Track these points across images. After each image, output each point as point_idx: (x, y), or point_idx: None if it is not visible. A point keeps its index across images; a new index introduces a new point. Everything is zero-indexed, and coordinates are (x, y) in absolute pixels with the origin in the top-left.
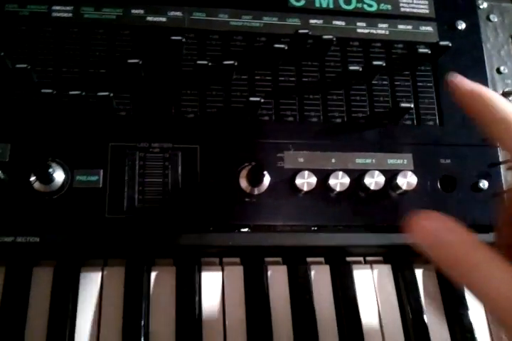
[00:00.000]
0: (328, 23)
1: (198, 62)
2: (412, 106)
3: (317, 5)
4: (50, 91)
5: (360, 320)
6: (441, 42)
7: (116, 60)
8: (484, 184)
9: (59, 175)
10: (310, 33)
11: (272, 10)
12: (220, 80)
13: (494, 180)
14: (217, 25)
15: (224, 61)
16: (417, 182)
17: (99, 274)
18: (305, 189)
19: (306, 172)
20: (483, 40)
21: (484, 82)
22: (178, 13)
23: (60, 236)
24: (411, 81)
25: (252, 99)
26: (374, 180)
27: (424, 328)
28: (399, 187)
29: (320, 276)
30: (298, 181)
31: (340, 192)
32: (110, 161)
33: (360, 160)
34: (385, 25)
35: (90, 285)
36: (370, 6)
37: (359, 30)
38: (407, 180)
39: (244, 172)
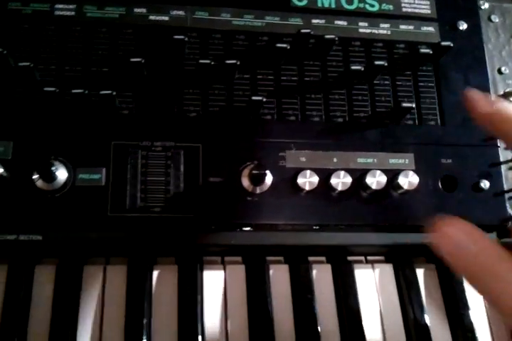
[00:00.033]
0: (330, 22)
1: (201, 61)
2: (414, 106)
3: (319, 5)
4: (52, 89)
5: (362, 319)
6: (443, 43)
7: (118, 58)
8: (485, 184)
9: (61, 174)
10: (312, 32)
11: (274, 9)
12: (223, 79)
13: (495, 180)
14: (219, 25)
15: (226, 60)
16: (419, 182)
17: (102, 272)
18: (307, 188)
19: (308, 172)
20: (485, 41)
21: (485, 82)
22: (181, 12)
23: (62, 234)
24: (412, 81)
25: (254, 98)
26: (375, 180)
27: (425, 328)
28: (400, 187)
29: (321, 275)
30: (300, 180)
31: (341, 192)
32: (113, 160)
33: (362, 160)
34: (386, 25)
35: (93, 284)
36: (372, 6)
37: (361, 30)
38: (409, 180)
39: (246, 171)
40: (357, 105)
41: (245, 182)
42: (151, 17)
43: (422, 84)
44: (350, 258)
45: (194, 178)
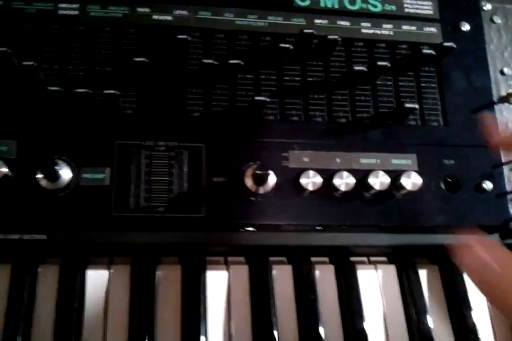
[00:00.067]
0: (333, 23)
1: (204, 61)
2: (417, 106)
3: (322, 5)
4: (56, 88)
5: (365, 319)
6: (446, 44)
7: (122, 58)
8: (488, 185)
9: (65, 173)
10: (315, 33)
11: (277, 9)
12: (226, 79)
13: (498, 181)
14: (222, 25)
15: (229, 60)
16: (422, 183)
17: (106, 272)
18: (310, 188)
19: (311, 172)
20: (487, 42)
21: (488, 83)
22: (184, 12)
23: (66, 233)
24: (415, 81)
25: (257, 98)
26: (378, 180)
27: (428, 329)
28: (403, 188)
29: (324, 276)
30: (303, 181)
31: (344, 192)
32: (116, 159)
33: (365, 160)
34: (389, 26)
35: (96, 284)
36: (375, 6)
37: (364, 31)
38: (412, 181)
39: (249, 172)
40: (360, 105)
41: (248, 182)
42: (155, 17)
43: (424, 84)
44: (353, 258)
45: (197, 178)
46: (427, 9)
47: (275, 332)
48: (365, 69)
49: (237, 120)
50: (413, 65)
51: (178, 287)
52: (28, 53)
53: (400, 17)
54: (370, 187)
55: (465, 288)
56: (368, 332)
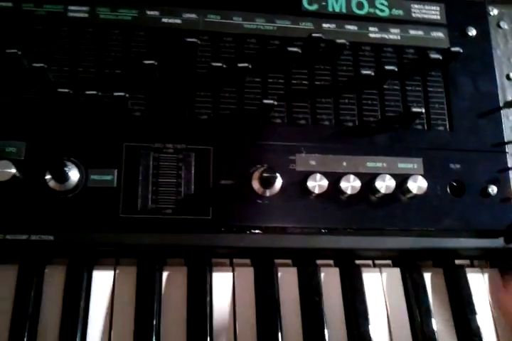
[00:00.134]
0: (341, 27)
1: (213, 64)
2: (423, 111)
3: (330, 9)
4: (66, 90)
5: (369, 322)
6: (453, 48)
7: (131, 60)
8: (493, 189)
9: (74, 174)
10: (323, 37)
11: (285, 13)
12: (234, 82)
13: (503, 186)
14: (231, 28)
15: (238, 63)
16: (427, 187)
17: (112, 273)
18: (316, 191)
19: (318, 175)
20: (494, 47)
21: (494, 88)
22: (193, 16)
23: (74, 234)
24: (422, 86)
25: (265, 101)
26: (385, 184)
27: (432, 332)
28: (409, 191)
29: (329, 279)
30: (310, 184)
31: (351, 195)
32: (125, 161)
33: (371, 164)
34: (396, 31)
35: (102, 284)
36: (382, 11)
37: (371, 35)
38: (418, 185)
39: (256, 174)
40: (367, 109)
41: (255, 184)
42: (164, 20)
43: (431, 89)
44: (358, 261)
45: (205, 180)
46: (434, 14)
47: (280, 334)
48: (372, 73)
49: (244, 123)
50: (420, 70)
51: (184, 288)
52: (38, 55)
53: (407, 22)
54: (377, 191)
55: (469, 291)
56: (372, 334)
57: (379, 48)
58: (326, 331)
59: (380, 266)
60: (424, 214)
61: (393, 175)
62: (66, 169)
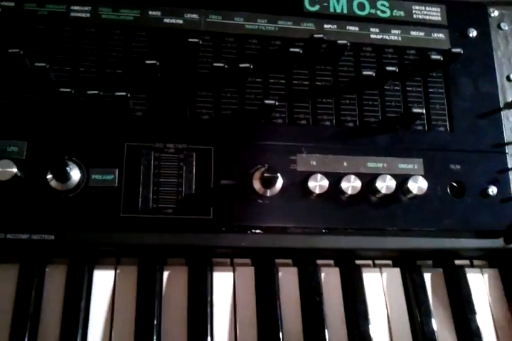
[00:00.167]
0: (342, 28)
1: (215, 64)
2: (424, 111)
3: (331, 10)
4: (68, 90)
5: (369, 322)
6: (454, 50)
7: (133, 60)
8: (493, 190)
9: (75, 174)
10: (325, 37)
11: (287, 14)
12: (235, 83)
13: (503, 187)
14: (232, 28)
15: (239, 64)
16: (428, 187)
17: (112, 273)
18: (317, 192)
19: (319, 175)
20: (494, 48)
21: (494, 89)
22: (195, 16)
23: (75, 234)
24: (422, 87)
25: (266, 101)
26: (385, 184)
27: (432, 331)
28: (410, 192)
29: (330, 278)
30: (310, 184)
31: (351, 196)
32: (126, 161)
33: (372, 164)
34: (397, 32)
35: (103, 284)
36: (384, 12)
37: (372, 36)
38: (418, 185)
39: (257, 174)
40: (367, 110)
41: (256, 185)
42: (166, 20)
43: (431, 90)
44: (358, 261)
45: (206, 180)
46: (435, 15)
47: (280, 334)
48: (373, 74)
49: (245, 123)
50: (421, 71)
51: (185, 288)
52: (40, 55)
53: (408, 23)
54: (377, 191)
55: (469, 291)
56: (372, 334)
57: (380, 49)
58: (326, 331)
59: (380, 266)
60: (424, 214)
61: (394, 176)
62: (67, 168)
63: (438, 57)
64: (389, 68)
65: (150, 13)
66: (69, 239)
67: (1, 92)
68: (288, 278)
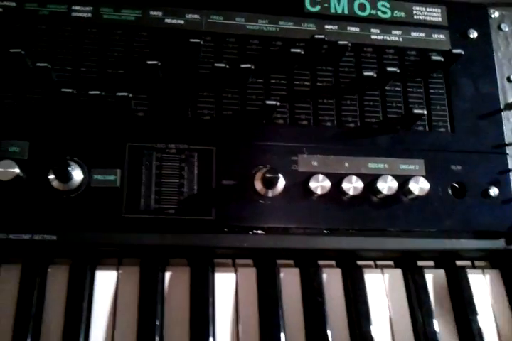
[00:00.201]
0: (343, 28)
1: (216, 64)
2: (425, 112)
3: (332, 11)
4: (69, 90)
5: (371, 323)
6: (454, 50)
7: (134, 61)
8: (494, 191)
9: (77, 174)
10: (326, 38)
11: (288, 15)
12: (237, 83)
13: (504, 187)
14: (234, 29)
15: (240, 64)
16: (429, 188)
17: (115, 273)
18: (319, 192)
19: (320, 176)
20: (494, 49)
21: (495, 90)
22: (196, 16)
23: (77, 234)
24: (423, 88)
25: (268, 102)
26: (387, 185)
27: (434, 332)
28: (411, 192)
29: (332, 279)
30: (312, 184)
31: (353, 196)
32: (128, 161)
33: (373, 165)
34: (398, 32)
35: (105, 284)
36: (384, 12)
37: (373, 37)
38: (420, 186)
39: (259, 175)
40: (368, 111)
41: (258, 185)
42: (167, 20)
43: (432, 90)
44: (359, 262)
45: (207, 181)
46: (436, 16)
47: (282, 334)
48: (374, 74)
49: (247, 124)
50: (421, 71)
51: (187, 288)
52: (41, 55)
53: (409, 24)
54: (379, 192)
55: (471, 292)
56: (374, 335)
57: (381, 50)
58: (328, 331)
59: (382, 266)
60: (425, 215)
61: (395, 176)
62: (69, 169)
63: (439, 58)
64: (390, 69)
65: (151, 13)
66: (71, 240)
67: (2, 92)
68: (290, 279)
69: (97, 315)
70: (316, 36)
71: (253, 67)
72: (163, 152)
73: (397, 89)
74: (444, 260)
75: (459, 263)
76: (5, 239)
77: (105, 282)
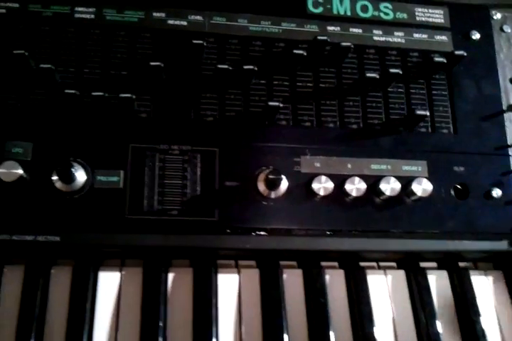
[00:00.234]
0: (346, 30)
1: (219, 66)
2: (427, 113)
3: (335, 12)
4: (73, 91)
5: (374, 324)
6: (457, 52)
7: (137, 62)
8: (497, 192)
9: (80, 175)
10: (328, 39)
11: (290, 16)
12: (239, 84)
13: (507, 189)
14: (236, 30)
15: (243, 66)
16: (432, 189)
17: (118, 274)
18: (321, 193)
19: (323, 177)
20: (497, 51)
21: (497, 91)
22: (199, 18)
23: (80, 235)
24: (426, 89)
25: (271, 103)
26: (390, 186)
27: (437, 333)
28: (414, 194)
29: (334, 280)
30: (315, 186)
31: (356, 198)
32: (131, 162)
33: (376, 166)
34: (400, 34)
35: (108, 285)
36: (387, 14)
37: (375, 38)
38: (422, 187)
39: (262, 176)
40: (371, 112)
41: (261, 186)
42: (170, 21)
43: (435, 92)
44: (362, 263)
45: (210, 182)
46: (438, 18)
47: (285, 336)
48: (376, 76)
49: (250, 125)
50: (424, 73)
51: (190, 289)
52: (45, 56)
53: (411, 25)
54: (381, 193)
55: (474, 293)
56: (377, 336)
57: (383, 51)
58: (331, 332)
59: (385, 268)
60: (428, 216)
61: (398, 178)
62: (73, 170)
63: (441, 59)
64: (392, 70)
65: (154, 14)
66: (74, 241)
67: (6, 93)
68: (293, 280)
69: (100, 316)
70: (319, 37)
71: (256, 69)
72: (166, 153)
73: (399, 90)
74: (447, 261)
75: (461, 264)
76: (8, 240)
77: (108, 283)
